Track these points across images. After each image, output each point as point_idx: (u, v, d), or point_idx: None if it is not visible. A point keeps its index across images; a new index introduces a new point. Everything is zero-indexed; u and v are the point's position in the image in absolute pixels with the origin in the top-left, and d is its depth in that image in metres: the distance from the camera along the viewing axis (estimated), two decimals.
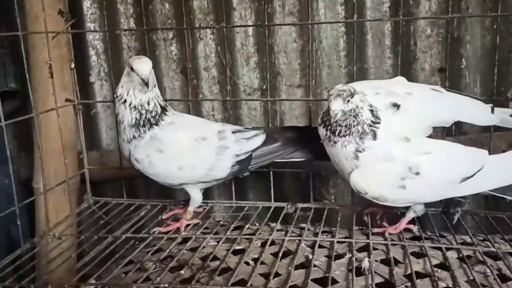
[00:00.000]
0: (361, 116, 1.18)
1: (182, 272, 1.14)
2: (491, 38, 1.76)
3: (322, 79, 1.91)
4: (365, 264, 1.11)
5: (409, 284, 1.05)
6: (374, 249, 1.20)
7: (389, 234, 1.27)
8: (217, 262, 1.18)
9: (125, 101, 1.32)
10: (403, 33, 1.77)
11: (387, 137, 1.19)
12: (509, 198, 1.27)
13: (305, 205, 1.52)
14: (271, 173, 1.61)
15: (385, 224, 1.35)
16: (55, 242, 1.38)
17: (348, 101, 1.15)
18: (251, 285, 1.06)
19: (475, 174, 1.21)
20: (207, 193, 1.49)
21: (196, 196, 1.42)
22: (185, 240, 1.32)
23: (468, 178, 1.21)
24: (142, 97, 1.31)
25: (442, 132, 1.53)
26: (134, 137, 1.33)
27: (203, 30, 1.94)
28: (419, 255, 1.19)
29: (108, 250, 1.30)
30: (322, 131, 1.22)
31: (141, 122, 1.32)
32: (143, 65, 1.27)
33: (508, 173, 1.23)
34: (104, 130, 2.11)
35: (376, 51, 1.86)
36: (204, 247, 1.27)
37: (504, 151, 1.70)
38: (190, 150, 1.35)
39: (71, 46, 1.63)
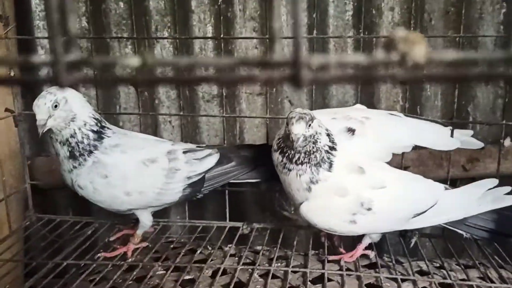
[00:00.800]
0: (320, 142, 1.12)
1: None
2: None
3: (283, 88, 1.84)
4: None
5: None
6: (329, 280, 1.16)
7: (345, 262, 1.23)
8: None
9: (51, 137, 1.23)
10: (364, 43, 1.72)
11: (342, 168, 1.15)
12: (460, 232, 1.26)
13: (261, 225, 1.47)
14: (227, 192, 1.54)
15: (341, 249, 1.31)
16: None
17: (310, 125, 1.09)
18: None
19: (428, 209, 1.19)
20: (159, 211, 1.41)
21: (146, 220, 1.34)
22: (132, 268, 1.24)
23: (420, 214, 1.19)
24: (64, 132, 1.21)
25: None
26: (74, 167, 1.23)
27: (160, 33, 1.84)
28: (375, 286, 1.15)
29: (50, 278, 1.21)
30: (277, 157, 1.17)
31: (76, 154, 1.22)
32: (36, 108, 1.16)
33: (461, 208, 1.21)
34: None
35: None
36: (151, 277, 1.20)
37: (463, 166, 1.70)
38: (137, 174, 1.27)
39: (13, 53, 1.50)
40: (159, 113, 1.86)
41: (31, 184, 1.61)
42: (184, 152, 1.32)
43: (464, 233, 1.25)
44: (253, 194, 1.85)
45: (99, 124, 1.26)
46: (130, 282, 1.18)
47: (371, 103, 1.75)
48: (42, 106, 1.16)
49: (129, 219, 1.51)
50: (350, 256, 1.25)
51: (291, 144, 1.08)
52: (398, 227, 1.23)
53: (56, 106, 1.17)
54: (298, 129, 1.07)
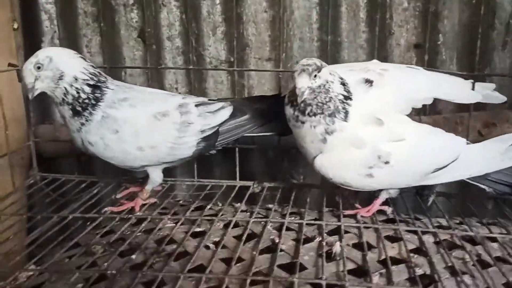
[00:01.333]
0: (332, 91, 1.07)
1: (133, 256, 1.02)
2: (469, 14, 1.68)
3: (293, 52, 1.79)
4: (337, 248, 1.02)
5: (383, 271, 0.96)
6: (346, 232, 1.11)
7: (362, 216, 1.19)
8: (174, 246, 1.07)
9: (55, 102, 1.20)
10: (378, 5, 1.67)
11: (358, 119, 1.09)
12: (482, 186, 1.21)
13: (272, 184, 1.42)
14: (237, 150, 1.49)
15: (357, 205, 1.26)
16: None
17: (315, 76, 1.04)
18: (210, 271, 0.95)
19: (449, 164, 1.14)
20: (167, 170, 1.36)
21: (156, 176, 1.30)
22: (140, 221, 1.20)
23: (441, 168, 1.14)
24: (57, 92, 1.16)
25: (417, 112, 1.44)
26: (82, 124, 1.18)
27: None
28: (394, 239, 1.10)
29: (53, 231, 1.17)
30: (289, 111, 1.12)
31: (79, 109, 1.17)
32: (23, 73, 1.15)
33: (483, 163, 1.17)
34: None
35: (350, 24, 1.75)
36: (160, 229, 1.15)
37: (479, 131, 1.65)
38: (149, 129, 1.21)
39: (16, 5, 1.46)
40: (166, 67, 1.81)
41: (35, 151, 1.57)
42: (197, 105, 1.27)
43: (486, 188, 1.20)
44: (263, 154, 1.81)
45: (95, 78, 1.20)
46: (138, 234, 1.14)
47: None
48: (27, 70, 1.13)
49: (136, 178, 1.46)
50: (367, 211, 1.20)
51: (297, 98, 1.03)
52: (417, 182, 1.16)
53: (39, 67, 1.14)
54: (302, 82, 1.03)
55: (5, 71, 1.38)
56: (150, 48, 1.80)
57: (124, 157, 1.22)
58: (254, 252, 1.03)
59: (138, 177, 1.47)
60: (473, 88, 1.25)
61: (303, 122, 1.09)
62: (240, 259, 1.01)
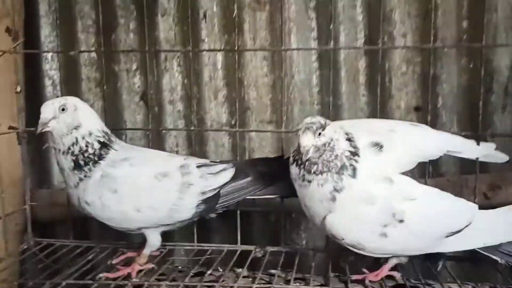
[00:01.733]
0: (338, 148, 1.05)
1: None
2: (468, 78, 1.71)
3: (294, 116, 1.80)
4: None
5: None
6: None
7: (370, 281, 1.13)
8: None
9: (54, 148, 1.19)
10: (378, 68, 1.70)
11: (368, 176, 1.07)
12: (495, 258, 1.16)
13: (275, 248, 1.37)
14: (238, 212, 1.46)
15: (365, 270, 1.20)
16: None
17: (320, 134, 1.04)
18: None
19: (462, 229, 1.10)
20: (165, 235, 1.32)
21: (154, 240, 1.25)
22: None
23: (454, 233, 1.10)
24: (66, 140, 1.17)
25: (421, 174, 1.41)
26: (81, 179, 1.17)
27: (169, 61, 1.83)
28: None
29: None
30: (295, 170, 1.09)
31: (81, 163, 1.16)
32: (43, 107, 1.16)
33: (497, 231, 1.13)
34: (56, 166, 1.92)
35: (350, 87, 1.77)
36: None
37: (484, 194, 1.62)
38: (149, 189, 1.19)
39: (21, 69, 1.48)
40: (167, 128, 1.82)
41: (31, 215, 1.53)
42: (198, 167, 1.25)
43: (498, 259, 1.15)
44: (265, 218, 1.76)
45: (106, 137, 1.21)
46: None
47: None
48: (50, 105, 1.14)
49: (133, 243, 1.41)
50: (375, 275, 1.15)
51: (302, 156, 1.02)
52: (431, 247, 1.12)
53: (63, 109, 1.15)
54: (306, 141, 1.02)
55: (6, 133, 1.37)
56: (152, 110, 1.81)
57: (122, 218, 1.19)
58: None
59: (135, 241, 1.43)
60: (478, 144, 1.24)
61: (309, 181, 1.06)
62: None
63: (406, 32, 1.71)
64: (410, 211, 1.05)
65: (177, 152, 1.87)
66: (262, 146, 1.84)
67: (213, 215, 1.32)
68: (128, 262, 1.28)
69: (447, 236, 1.09)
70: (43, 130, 1.13)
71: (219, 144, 1.86)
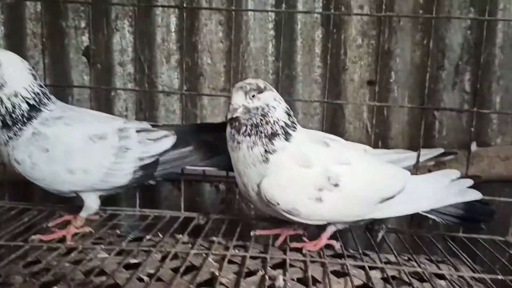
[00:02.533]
0: (271, 116, 1.03)
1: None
2: (420, 54, 1.72)
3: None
4: (280, 282, 0.95)
5: None
6: (291, 266, 1.05)
7: (308, 251, 1.13)
8: (104, 278, 0.97)
9: None
10: (333, 41, 1.69)
11: (304, 140, 1.06)
12: (432, 217, 1.19)
13: (219, 216, 1.35)
14: (182, 180, 1.43)
15: (305, 239, 1.20)
16: None
17: (253, 96, 1.02)
18: None
19: (396, 195, 1.11)
20: (107, 199, 1.28)
21: (91, 203, 1.21)
22: (70, 250, 1.10)
23: (388, 199, 1.11)
24: None
25: None
26: (10, 138, 1.11)
27: (120, 20, 1.76)
28: (340, 274, 1.05)
29: None
30: (228, 130, 1.07)
31: (9, 122, 1.10)
32: None
33: (429, 197, 1.15)
34: None
35: (305, 58, 1.75)
36: (90, 259, 1.05)
37: (429, 170, 1.65)
38: (82, 150, 1.14)
39: None
40: (113, 87, 1.77)
41: None
42: (138, 131, 1.20)
43: (435, 218, 1.18)
44: (212, 188, 1.75)
45: (36, 98, 1.14)
46: (66, 264, 1.03)
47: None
48: None
49: (73, 207, 1.36)
50: (313, 245, 1.15)
51: (228, 114, 1.01)
52: (366, 213, 1.12)
53: None
54: (236, 99, 1.01)
55: None
56: (101, 71, 1.74)
57: (53, 179, 1.14)
58: (191, 286, 0.95)
59: (76, 205, 1.38)
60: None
61: (239, 142, 1.04)
62: None
63: (363, 4, 1.69)
64: (345, 176, 1.05)
65: (126, 117, 1.81)
66: (215, 114, 1.81)
67: (152, 182, 1.29)
68: (65, 226, 1.23)
69: (381, 202, 1.09)
70: None
71: (170, 110, 1.81)
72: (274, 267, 1.05)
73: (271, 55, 1.78)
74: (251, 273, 1.02)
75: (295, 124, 1.07)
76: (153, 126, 1.26)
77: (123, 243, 1.14)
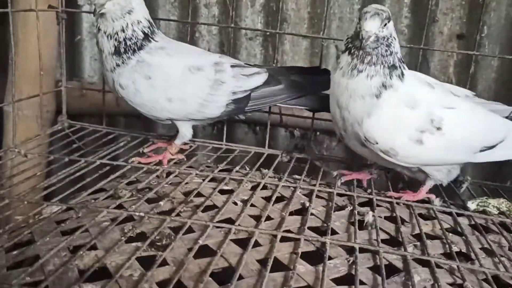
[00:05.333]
0: (394, 47, 1.00)
1: (161, 203, 0.99)
2: None
3: (331, 32, 1.76)
4: (369, 218, 0.98)
5: (418, 243, 0.92)
6: (378, 206, 1.08)
7: (407, 201, 1.12)
8: (202, 199, 1.04)
9: (99, 29, 1.17)
10: None
11: (412, 81, 1.04)
12: None
13: (302, 155, 1.39)
14: (269, 122, 1.46)
15: (401, 192, 1.18)
16: (20, 159, 1.21)
17: (385, 25, 0.96)
18: (239, 225, 0.92)
19: (496, 145, 1.08)
20: (195, 132, 1.34)
21: (186, 131, 1.27)
22: (167, 174, 1.17)
23: (488, 148, 1.08)
24: (117, 24, 1.15)
25: None
26: (118, 65, 1.17)
27: None
28: (428, 217, 1.07)
29: (78, 174, 1.15)
30: (346, 59, 1.01)
31: (121, 50, 1.16)
32: None
33: None
34: (87, 59, 1.94)
35: (393, 8, 1.71)
36: (187, 182, 1.12)
37: None
38: (181, 80, 1.19)
39: None
40: (204, 23, 1.81)
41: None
42: (232, 66, 1.24)
43: None
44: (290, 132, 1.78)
45: (151, 28, 1.20)
46: (165, 185, 1.11)
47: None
48: None
49: (163, 136, 1.44)
50: (413, 196, 1.14)
51: (360, 43, 0.95)
52: (464, 159, 1.09)
53: None
54: (371, 26, 0.93)
55: (45, 11, 1.36)
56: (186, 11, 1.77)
57: (152, 105, 1.20)
58: (284, 213, 1.00)
59: (167, 134, 1.46)
60: None
61: (360, 71, 0.99)
62: (269, 218, 0.98)
63: None
64: (448, 120, 1.03)
65: None
66: (295, 61, 1.82)
67: (242, 117, 1.33)
68: (157, 152, 1.30)
69: (481, 151, 1.07)
70: (101, 12, 1.11)
71: (251, 54, 1.84)
72: (361, 205, 1.08)
73: (357, 3, 1.74)
74: (339, 208, 1.06)
75: (404, 61, 1.05)
76: (246, 64, 1.30)
77: (215, 170, 1.20)
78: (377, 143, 1.03)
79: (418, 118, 1.02)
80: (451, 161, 1.10)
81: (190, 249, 0.82)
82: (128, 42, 1.16)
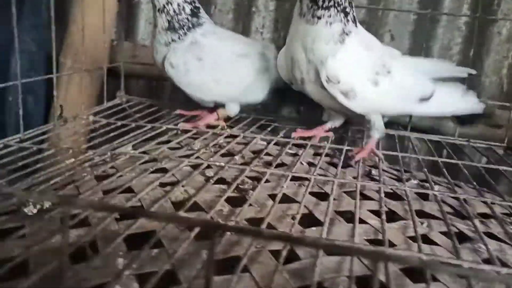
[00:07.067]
0: None
1: (236, 157, 1.03)
2: None
3: (388, 21, 1.78)
4: None
5: None
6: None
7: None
8: (270, 157, 1.07)
9: (152, 3, 1.22)
10: None
11: (361, 28, 1.13)
12: None
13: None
14: None
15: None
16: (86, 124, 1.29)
17: None
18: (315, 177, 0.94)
19: (429, 98, 1.18)
20: None
21: (232, 108, 1.33)
22: (232, 136, 1.22)
23: (423, 100, 1.18)
24: None
25: None
26: (173, 40, 1.22)
27: None
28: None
29: (149, 134, 1.19)
30: (305, 2, 1.04)
31: (176, 25, 1.21)
32: None
33: (453, 103, 1.24)
34: (142, 23, 1.97)
35: (453, 2, 1.72)
36: (255, 144, 1.16)
37: None
38: (231, 64, 1.26)
39: None
40: None
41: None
42: (275, 57, 1.29)
43: None
44: None
45: (195, 4, 1.25)
46: (234, 144, 1.14)
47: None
48: None
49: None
50: (361, 152, 1.14)
51: None
52: (409, 108, 1.20)
53: None
54: None
55: None
56: None
57: (200, 86, 1.25)
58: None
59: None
60: None
61: (319, 18, 1.03)
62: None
63: None
64: (395, 66, 1.11)
65: (261, 34, 1.88)
66: None
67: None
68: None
69: (420, 101, 1.17)
70: None
71: None
72: None
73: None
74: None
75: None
76: None
77: (278, 136, 1.24)
78: (339, 82, 1.07)
79: (374, 60, 1.10)
80: (399, 108, 1.19)
81: (269, 195, 0.86)
82: (179, 17, 1.21)
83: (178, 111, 1.34)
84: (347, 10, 1.04)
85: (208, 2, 1.83)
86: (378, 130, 1.17)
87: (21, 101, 1.08)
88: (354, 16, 1.07)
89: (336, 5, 1.02)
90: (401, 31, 1.77)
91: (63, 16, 1.78)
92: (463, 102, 1.25)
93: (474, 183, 1.06)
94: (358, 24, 1.10)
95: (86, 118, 1.30)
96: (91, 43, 1.53)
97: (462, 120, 1.35)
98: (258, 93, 1.30)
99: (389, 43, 1.79)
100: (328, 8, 1.02)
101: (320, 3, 1.01)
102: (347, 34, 1.05)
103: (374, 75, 1.08)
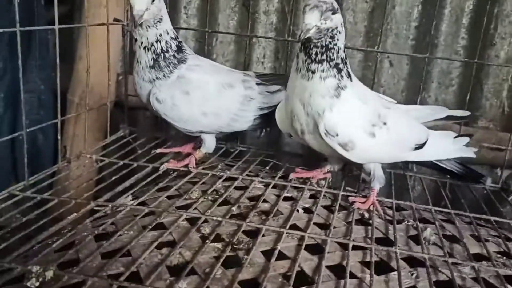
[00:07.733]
0: (338, 41, 1.03)
1: (233, 208, 1.06)
2: None
3: (386, 47, 1.79)
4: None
5: None
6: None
7: (358, 208, 1.15)
8: (268, 205, 1.10)
9: (136, 40, 1.22)
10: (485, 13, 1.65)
11: (356, 80, 1.14)
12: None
13: None
14: None
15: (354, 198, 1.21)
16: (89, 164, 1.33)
17: (327, 17, 0.97)
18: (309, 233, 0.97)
19: (424, 144, 1.21)
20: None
21: (211, 142, 1.35)
22: (231, 179, 1.24)
23: (418, 147, 1.20)
24: (151, 33, 1.20)
25: None
26: (158, 78, 1.23)
27: None
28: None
29: (149, 178, 1.23)
30: (301, 56, 1.06)
31: (162, 64, 1.22)
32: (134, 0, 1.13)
33: (444, 150, 1.28)
34: None
35: (450, 28, 1.74)
36: (253, 188, 1.19)
37: None
38: (216, 96, 1.27)
39: None
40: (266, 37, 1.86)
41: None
42: (257, 84, 1.33)
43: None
44: None
45: (178, 39, 1.26)
46: (233, 190, 1.17)
47: None
48: None
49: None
50: (363, 203, 1.16)
51: (301, 35, 0.96)
52: (402, 156, 1.22)
53: (153, 0, 1.16)
54: (310, 18, 0.96)
55: (110, 24, 1.45)
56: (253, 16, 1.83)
57: (188, 119, 1.26)
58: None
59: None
60: None
61: (313, 72, 1.04)
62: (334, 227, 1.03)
63: None
64: (390, 117, 1.13)
65: (262, 63, 1.91)
66: None
67: (262, 133, 1.44)
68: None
69: (415, 148, 1.20)
70: (140, 22, 1.15)
71: None
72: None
73: (414, 21, 1.77)
74: (397, 222, 1.10)
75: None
76: (263, 74, 1.41)
77: (275, 178, 1.26)
78: (337, 135, 1.09)
79: (370, 112, 1.12)
80: (396, 156, 1.22)
81: (263, 252, 0.88)
82: (166, 54, 1.22)
83: (158, 150, 1.37)
84: (340, 66, 1.05)
85: (210, 34, 1.87)
86: (379, 181, 1.19)
87: (31, 139, 1.11)
88: (348, 72, 1.08)
89: (328, 59, 1.03)
90: (399, 56, 1.79)
91: (70, 53, 1.84)
92: (455, 147, 1.28)
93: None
94: (353, 78, 1.11)
95: (90, 157, 1.34)
96: (97, 79, 1.58)
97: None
98: (243, 121, 1.32)
99: (388, 68, 1.82)
100: (321, 62, 1.03)
101: (313, 56, 1.03)
102: (342, 89, 1.06)
103: (370, 127, 1.10)
